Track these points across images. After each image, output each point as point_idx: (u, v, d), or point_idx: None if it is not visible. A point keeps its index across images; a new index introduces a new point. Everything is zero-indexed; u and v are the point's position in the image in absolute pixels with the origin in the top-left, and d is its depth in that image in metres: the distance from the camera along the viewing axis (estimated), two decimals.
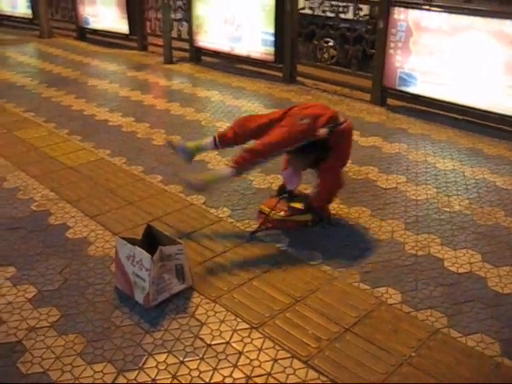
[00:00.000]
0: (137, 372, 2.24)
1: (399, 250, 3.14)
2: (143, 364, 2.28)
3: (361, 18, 6.19)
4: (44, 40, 9.59)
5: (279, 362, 2.30)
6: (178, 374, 2.23)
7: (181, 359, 2.30)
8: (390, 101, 5.91)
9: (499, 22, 4.75)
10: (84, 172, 4.16)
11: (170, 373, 2.24)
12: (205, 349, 2.36)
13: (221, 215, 3.52)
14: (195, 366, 2.27)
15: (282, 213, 3.39)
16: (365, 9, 6.16)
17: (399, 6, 5.38)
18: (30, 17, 10.37)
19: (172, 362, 2.29)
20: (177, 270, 2.68)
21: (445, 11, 5.11)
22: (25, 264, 2.97)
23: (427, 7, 5.32)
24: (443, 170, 4.24)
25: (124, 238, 2.69)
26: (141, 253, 2.56)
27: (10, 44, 9.35)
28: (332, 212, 3.54)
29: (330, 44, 7.58)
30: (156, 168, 4.25)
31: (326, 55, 7.36)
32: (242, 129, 3.37)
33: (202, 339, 2.42)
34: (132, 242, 2.67)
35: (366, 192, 3.87)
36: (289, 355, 2.33)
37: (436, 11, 5.17)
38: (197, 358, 2.31)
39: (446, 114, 5.43)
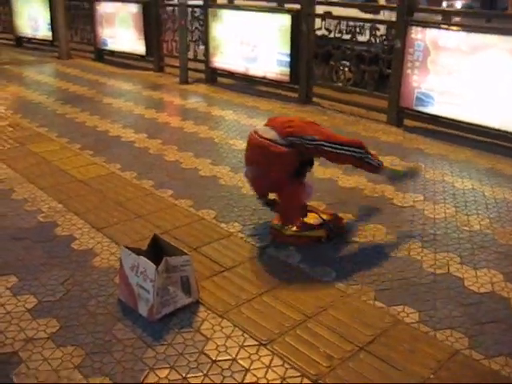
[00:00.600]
0: None
1: (416, 268, 3.00)
2: (144, 379, 2.15)
3: (378, 40, 6.12)
4: (62, 61, 9.71)
5: (288, 380, 2.16)
6: None
7: (183, 375, 2.17)
8: (406, 122, 5.82)
9: None
10: (93, 185, 4.09)
11: None
12: (209, 365, 2.23)
13: (231, 230, 3.41)
14: (199, 383, 2.13)
15: (294, 228, 3.28)
16: (381, 28, 6.09)
17: (416, 26, 5.32)
18: (50, 39, 10.55)
19: (174, 377, 2.16)
20: (182, 282, 2.56)
21: (463, 30, 5.03)
22: (27, 274, 2.87)
23: (445, 26, 5.24)
24: (462, 190, 4.10)
25: (129, 248, 2.59)
26: (145, 263, 2.46)
27: (29, 64, 9.48)
28: (346, 229, 3.41)
29: (346, 66, 7.51)
30: (167, 183, 4.17)
31: (342, 77, 7.29)
32: None
33: (206, 355, 2.29)
34: (137, 252, 2.57)
35: (382, 210, 3.74)
36: (298, 374, 2.19)
37: (454, 30, 5.09)
38: (200, 374, 2.18)
39: (465, 135, 5.30)
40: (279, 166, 3.04)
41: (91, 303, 2.63)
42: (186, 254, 2.57)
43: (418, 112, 5.56)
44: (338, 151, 3.09)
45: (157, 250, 2.67)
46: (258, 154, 3.11)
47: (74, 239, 3.26)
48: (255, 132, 3.17)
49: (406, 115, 5.80)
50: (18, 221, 3.49)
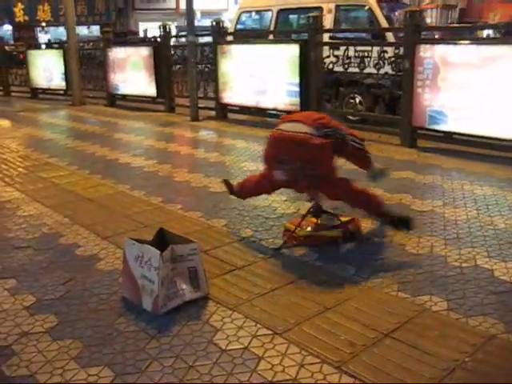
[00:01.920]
0: (137, 376, 1.91)
1: (441, 262, 2.79)
2: (146, 368, 1.95)
3: (386, 62, 6.09)
4: (75, 107, 9.88)
5: (306, 367, 1.94)
6: (187, 378, 1.90)
7: (190, 364, 1.97)
8: (420, 143, 5.70)
9: None
10: (101, 202, 3.99)
11: (176, 377, 1.90)
12: (219, 353, 2.03)
13: (243, 235, 3.26)
14: (207, 371, 1.93)
15: (309, 228, 3.11)
16: (389, 51, 6.08)
17: (425, 43, 5.29)
18: (64, 88, 10.79)
19: (180, 366, 1.96)
20: (190, 273, 2.39)
21: (472, 43, 4.99)
22: (27, 277, 2.73)
23: (453, 41, 5.20)
24: (482, 195, 3.92)
25: (133, 239, 2.44)
26: (149, 250, 2.31)
27: (43, 111, 9.67)
28: (363, 230, 3.23)
29: (357, 99, 7.47)
30: (176, 198, 4.05)
31: (352, 111, 7.25)
32: None
33: (216, 344, 2.09)
34: (142, 242, 2.41)
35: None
36: (318, 360, 1.98)
37: (463, 44, 5.05)
38: (209, 362, 1.98)
39: (481, 151, 5.16)
40: (325, 159, 2.85)
41: (93, 300, 2.46)
42: (193, 242, 2.41)
43: (432, 130, 5.45)
44: (358, 145, 3.11)
45: (163, 245, 2.51)
46: (295, 151, 2.80)
47: (79, 247, 3.12)
48: (279, 129, 2.93)
49: (419, 135, 5.68)
50: (21, 232, 3.38)
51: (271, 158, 2.99)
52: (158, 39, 8.95)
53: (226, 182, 3.57)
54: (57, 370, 1.95)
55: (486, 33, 13.86)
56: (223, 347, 2.07)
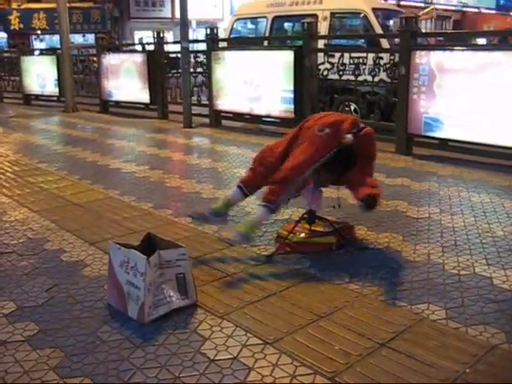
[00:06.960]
0: None
1: (438, 269, 2.71)
2: (129, 379, 1.84)
3: (381, 69, 6.04)
4: (68, 114, 9.79)
5: (298, 378, 1.84)
6: None
7: (176, 374, 1.87)
8: (415, 150, 5.64)
9: None
10: (90, 207, 3.88)
11: None
12: (206, 364, 1.92)
13: None
14: (193, 382, 1.83)
15: (303, 235, 3.02)
16: (385, 57, 6.03)
17: (420, 50, 5.24)
18: (57, 94, 10.70)
19: (165, 377, 1.86)
20: (178, 280, 2.29)
21: (468, 49, 4.94)
22: (8, 283, 2.61)
23: (449, 47, 5.16)
24: (479, 202, 3.85)
25: (118, 244, 2.34)
26: (135, 255, 2.20)
27: (35, 117, 9.55)
28: (358, 237, 3.15)
29: (352, 107, 7.42)
30: (167, 204, 3.95)
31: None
32: (262, 164, 3.07)
33: (203, 354, 1.99)
34: (128, 247, 2.31)
35: (396, 221, 3.49)
36: (311, 371, 1.88)
37: (459, 50, 5.00)
38: (196, 373, 1.87)
39: (477, 159, 5.10)
40: None
41: (76, 308, 2.35)
42: (181, 246, 2.31)
43: (427, 137, 5.39)
44: None
45: (150, 250, 2.41)
46: None
47: (64, 252, 3.01)
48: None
49: (414, 143, 5.62)
50: (5, 238, 3.26)
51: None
52: (152, 46, 8.87)
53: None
54: (34, 380, 1.83)
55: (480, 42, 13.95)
56: (211, 357, 1.97)
